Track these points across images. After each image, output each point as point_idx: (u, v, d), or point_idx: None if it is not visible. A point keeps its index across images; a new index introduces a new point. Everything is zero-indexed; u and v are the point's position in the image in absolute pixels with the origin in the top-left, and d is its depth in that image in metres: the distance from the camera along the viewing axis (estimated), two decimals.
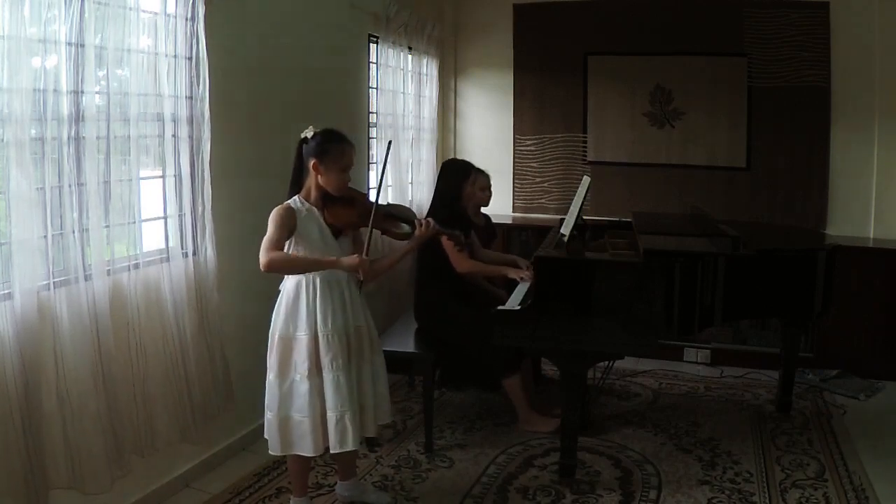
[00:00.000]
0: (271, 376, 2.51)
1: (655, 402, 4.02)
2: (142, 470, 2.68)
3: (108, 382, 2.40)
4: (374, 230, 2.53)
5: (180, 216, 2.81)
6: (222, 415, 3.00)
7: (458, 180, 3.67)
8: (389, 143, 2.90)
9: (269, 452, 2.57)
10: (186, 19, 2.73)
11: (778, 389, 3.91)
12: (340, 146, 2.50)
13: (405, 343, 3.42)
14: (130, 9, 2.46)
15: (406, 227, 2.69)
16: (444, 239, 3.41)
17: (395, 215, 2.69)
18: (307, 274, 2.49)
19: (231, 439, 3.22)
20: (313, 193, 2.52)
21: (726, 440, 3.48)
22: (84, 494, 2.36)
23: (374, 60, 4.42)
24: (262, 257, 2.33)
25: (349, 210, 2.54)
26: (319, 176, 2.49)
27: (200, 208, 2.85)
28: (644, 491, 2.98)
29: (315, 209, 2.51)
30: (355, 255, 2.44)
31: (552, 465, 3.17)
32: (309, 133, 2.51)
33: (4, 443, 2.09)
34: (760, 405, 3.97)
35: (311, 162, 2.48)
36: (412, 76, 4.93)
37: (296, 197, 2.51)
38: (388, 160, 2.66)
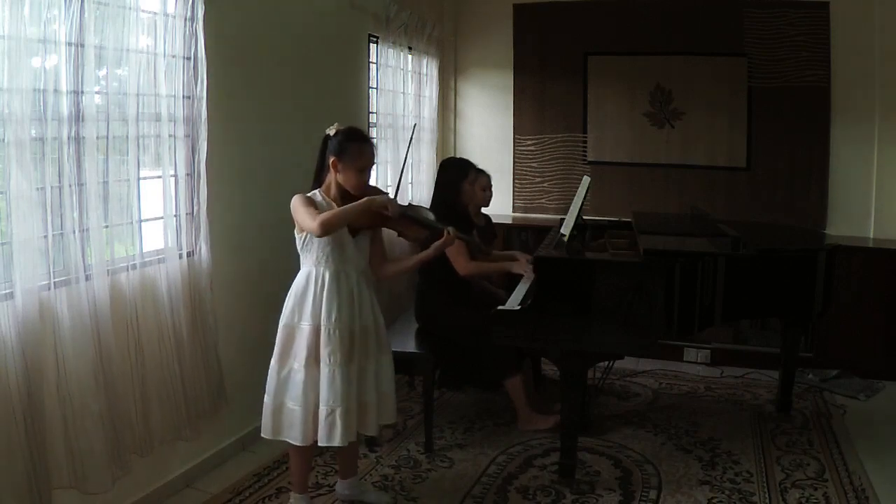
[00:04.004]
0: (273, 362, 2.55)
1: (655, 402, 4.02)
2: (142, 470, 2.68)
3: (108, 382, 2.41)
4: (385, 230, 2.57)
5: (176, 216, 2.81)
6: (215, 413, 3.00)
7: (457, 178, 3.67)
8: (414, 125, 2.88)
9: (261, 435, 2.60)
10: (186, 19, 2.73)
11: (778, 389, 3.91)
12: (359, 146, 2.53)
13: (405, 343, 3.42)
14: (130, 9, 2.46)
15: (424, 232, 2.69)
16: None
17: (415, 217, 2.67)
18: (317, 266, 2.51)
19: (231, 439, 3.22)
20: (333, 190, 2.55)
21: (726, 440, 3.48)
22: (85, 494, 2.36)
23: (374, 60, 4.42)
24: (312, 224, 2.34)
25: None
26: (338, 174, 2.51)
27: (196, 208, 2.85)
28: (644, 491, 2.98)
29: (334, 205, 2.52)
30: (384, 195, 2.48)
31: (552, 465, 3.17)
32: (332, 130, 2.54)
33: (7, 443, 2.09)
34: (760, 405, 3.97)
35: (331, 160, 2.51)
36: (412, 76, 4.93)
37: (316, 191, 2.54)
38: (411, 144, 2.69)
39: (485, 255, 3.61)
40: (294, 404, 2.50)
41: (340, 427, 2.49)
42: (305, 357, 2.49)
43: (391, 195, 2.66)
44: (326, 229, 2.36)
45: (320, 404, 2.49)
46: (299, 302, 2.52)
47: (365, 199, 2.45)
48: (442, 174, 3.75)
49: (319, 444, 2.52)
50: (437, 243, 2.67)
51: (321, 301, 2.50)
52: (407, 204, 2.76)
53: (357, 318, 2.56)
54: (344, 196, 2.55)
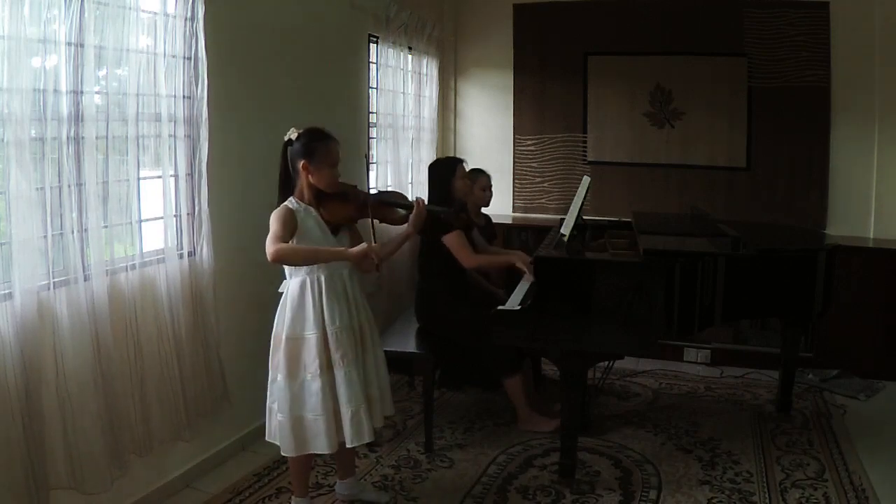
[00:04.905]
0: (279, 377, 2.51)
1: (655, 402, 4.02)
2: (142, 470, 2.68)
3: (107, 382, 2.41)
4: (373, 220, 2.55)
5: (177, 216, 2.81)
6: (217, 414, 3.00)
7: (446, 176, 3.64)
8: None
9: (283, 454, 2.57)
10: (186, 19, 2.73)
11: (778, 389, 3.91)
12: (326, 143, 2.51)
13: (405, 343, 3.42)
14: (130, 9, 2.46)
15: (402, 211, 2.72)
16: (447, 237, 3.43)
17: (389, 202, 2.72)
18: (310, 274, 2.49)
19: (231, 439, 3.22)
20: (306, 193, 2.52)
21: (726, 440, 3.48)
22: (84, 494, 2.36)
23: (374, 60, 4.42)
24: (269, 248, 2.34)
25: (344, 205, 2.56)
26: (310, 176, 2.49)
27: (197, 208, 2.85)
28: (644, 491, 2.98)
29: (311, 208, 2.51)
30: (362, 245, 2.43)
31: (552, 465, 3.17)
32: (293, 135, 2.50)
33: (6, 443, 2.09)
34: (760, 405, 3.97)
35: (301, 163, 2.48)
36: (412, 76, 4.93)
37: (291, 198, 2.52)
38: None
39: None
40: (314, 414, 2.48)
41: (366, 423, 2.52)
42: (318, 365, 2.47)
43: (364, 189, 2.67)
44: (276, 260, 2.35)
45: (342, 407, 2.49)
46: (298, 312, 2.49)
47: (340, 249, 2.43)
48: (431, 177, 3.74)
49: (348, 445, 2.53)
50: (411, 217, 2.68)
51: (321, 307, 2.49)
52: (377, 192, 2.78)
53: (355, 315, 2.58)
54: (318, 196, 2.53)
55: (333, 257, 2.45)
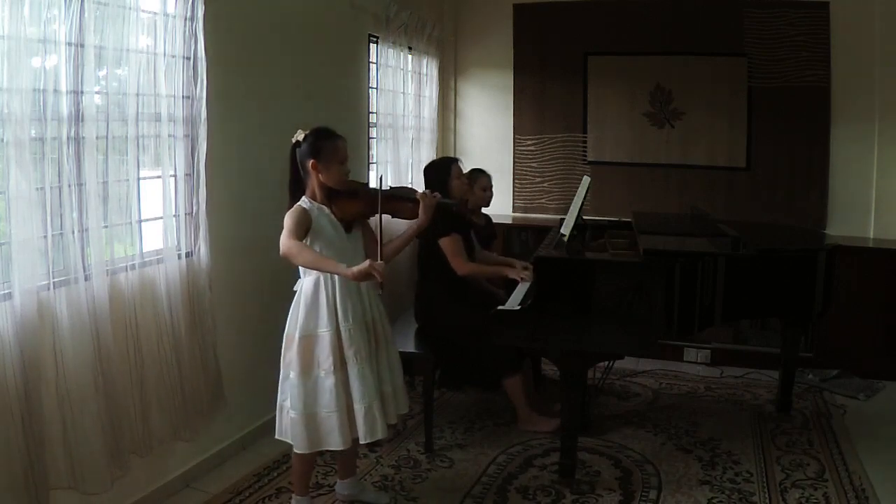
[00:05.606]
0: (292, 374, 2.51)
1: (655, 402, 4.02)
2: (142, 470, 2.68)
3: (107, 382, 2.40)
4: (383, 216, 2.54)
5: (176, 216, 2.81)
6: (213, 413, 2.99)
7: (442, 178, 3.61)
8: (381, 177, 2.89)
9: (296, 451, 2.57)
10: (185, 19, 2.73)
11: (778, 389, 3.91)
12: (333, 141, 2.53)
13: (405, 343, 3.41)
14: (130, 9, 2.46)
15: (413, 204, 2.71)
16: (443, 241, 3.44)
17: (401, 196, 2.71)
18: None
19: (231, 439, 3.21)
20: (318, 193, 2.54)
21: (726, 440, 3.48)
22: (84, 494, 2.36)
23: (374, 60, 4.42)
24: (283, 241, 2.35)
25: (355, 202, 2.57)
26: (319, 174, 2.51)
27: (195, 208, 2.85)
28: (644, 491, 2.98)
29: (324, 207, 2.53)
30: (365, 262, 2.35)
31: (552, 465, 3.17)
32: (300, 136, 2.53)
33: (5, 443, 2.08)
34: (760, 405, 3.97)
35: (310, 162, 2.50)
36: (412, 76, 4.93)
37: (304, 198, 2.53)
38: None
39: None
40: (328, 411, 2.49)
41: (380, 419, 2.53)
42: (332, 362, 2.48)
43: (375, 185, 2.66)
44: (286, 254, 2.33)
45: (355, 403, 2.50)
46: (312, 310, 2.50)
47: (342, 268, 2.32)
48: (427, 179, 3.72)
49: (362, 441, 2.54)
50: (422, 206, 2.67)
51: (335, 304, 2.50)
52: (389, 187, 2.77)
53: (368, 312, 2.60)
54: (329, 194, 2.54)
55: (335, 272, 2.41)
